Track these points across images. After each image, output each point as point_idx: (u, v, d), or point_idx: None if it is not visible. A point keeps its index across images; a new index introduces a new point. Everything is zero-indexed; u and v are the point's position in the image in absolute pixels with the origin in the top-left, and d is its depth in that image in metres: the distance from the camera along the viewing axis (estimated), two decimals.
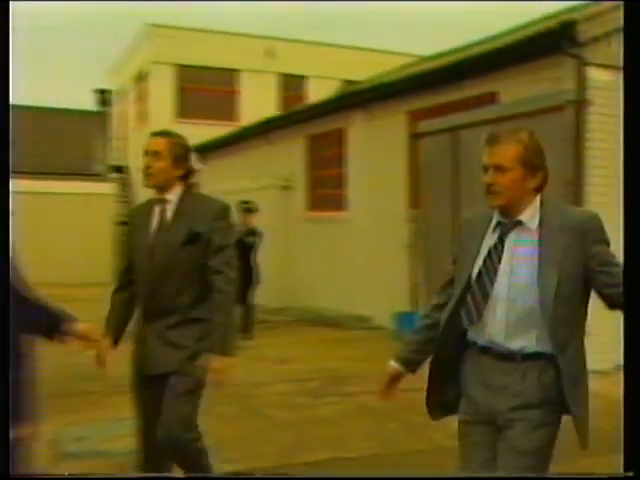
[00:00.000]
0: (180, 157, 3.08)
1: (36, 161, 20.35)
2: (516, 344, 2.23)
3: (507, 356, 2.25)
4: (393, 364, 2.51)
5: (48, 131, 22.77)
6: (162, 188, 3.08)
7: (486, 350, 2.29)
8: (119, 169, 21.88)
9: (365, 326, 10.07)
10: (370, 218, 10.46)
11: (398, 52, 19.49)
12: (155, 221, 3.08)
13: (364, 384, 6.28)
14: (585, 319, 2.30)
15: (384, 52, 19.92)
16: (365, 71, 16.60)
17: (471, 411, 2.32)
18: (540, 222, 2.26)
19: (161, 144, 3.05)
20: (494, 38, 10.62)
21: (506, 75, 7.93)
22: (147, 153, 3.07)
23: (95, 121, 23.04)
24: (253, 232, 9.47)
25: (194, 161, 3.19)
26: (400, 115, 9.88)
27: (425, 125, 8.96)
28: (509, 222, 2.29)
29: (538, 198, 2.30)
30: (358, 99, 10.90)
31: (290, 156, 12.80)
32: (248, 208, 9.52)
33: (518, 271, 2.23)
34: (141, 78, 20.98)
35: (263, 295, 10.13)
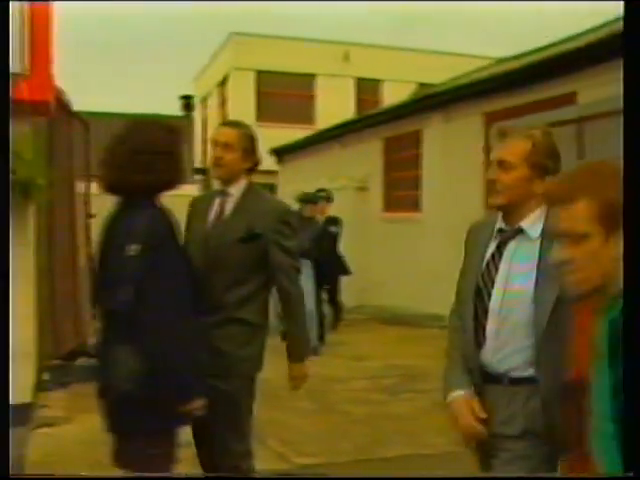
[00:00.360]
0: (249, 149, 2.91)
1: None
2: (504, 365, 2.00)
3: (495, 378, 2.03)
4: (459, 393, 2.10)
5: None
6: (228, 180, 2.89)
7: (481, 369, 2.06)
8: (201, 171, 22.46)
9: (439, 324, 9.94)
10: (444, 218, 10.35)
11: (471, 54, 19.21)
12: (214, 213, 2.89)
13: (438, 381, 6.23)
14: None
15: (458, 55, 19.67)
16: (440, 74, 16.43)
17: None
18: (543, 231, 2.00)
19: (232, 135, 2.89)
20: (569, 39, 10.34)
21: (585, 75, 7.71)
22: (217, 144, 2.89)
23: (180, 126, 23.73)
24: (335, 220, 8.90)
25: (260, 154, 3.01)
26: (477, 116, 9.74)
27: (502, 127, 8.79)
28: (510, 229, 2.06)
29: (545, 203, 2.02)
30: (435, 101, 10.83)
31: (366, 158, 12.82)
32: (327, 197, 8.85)
33: (513, 284, 2.00)
34: (222, 84, 21.47)
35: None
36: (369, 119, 13.24)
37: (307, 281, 7.10)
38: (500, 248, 2.06)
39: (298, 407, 5.30)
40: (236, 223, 2.83)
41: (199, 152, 24.31)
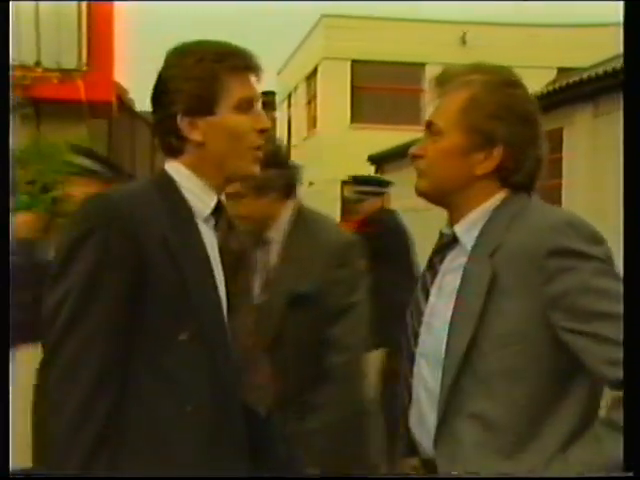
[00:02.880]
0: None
1: None
2: (420, 431, 1.68)
3: (411, 451, 1.73)
4: None
5: None
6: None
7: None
8: None
9: None
10: None
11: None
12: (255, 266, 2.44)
13: None
14: (574, 429, 1.53)
15: (612, 25, 18.98)
16: (588, 55, 15.92)
17: None
18: (479, 237, 1.62)
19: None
20: None
21: None
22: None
23: None
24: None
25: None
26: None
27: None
28: (448, 233, 1.71)
29: (500, 196, 1.65)
30: (582, 90, 10.49)
31: None
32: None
33: (432, 317, 1.67)
34: (311, 77, 21.68)
35: None
36: None
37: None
38: (433, 264, 1.72)
39: None
40: (282, 278, 2.40)
41: None
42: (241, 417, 1.69)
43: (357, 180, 6.36)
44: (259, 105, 1.76)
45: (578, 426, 1.53)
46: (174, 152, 1.71)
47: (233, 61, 1.69)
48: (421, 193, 1.71)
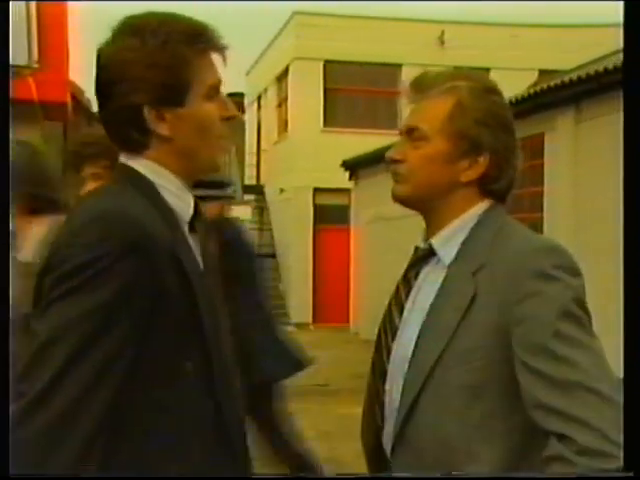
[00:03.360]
0: None
1: None
2: (388, 442, 1.70)
3: (385, 471, 1.74)
4: None
5: None
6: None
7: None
8: (255, 190, 22.60)
9: None
10: (576, 248, 9.93)
11: (616, 23, 18.73)
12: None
13: None
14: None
15: (596, 27, 19.11)
16: (571, 57, 16.02)
17: None
18: (459, 253, 1.65)
19: None
20: None
21: None
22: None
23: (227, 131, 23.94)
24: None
25: None
26: (619, 114, 9.37)
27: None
28: (425, 245, 1.73)
29: (480, 207, 1.69)
30: (565, 94, 10.51)
31: None
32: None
33: (403, 333, 1.69)
34: (281, 78, 21.63)
35: None
36: None
37: None
38: (408, 279, 1.74)
39: None
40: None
41: (252, 164, 24.57)
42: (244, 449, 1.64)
43: (196, 182, 6.11)
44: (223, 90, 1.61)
45: (529, 441, 1.55)
46: (135, 147, 1.53)
47: (202, 42, 1.53)
48: (399, 199, 1.72)
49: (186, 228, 1.56)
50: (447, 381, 1.57)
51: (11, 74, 6.92)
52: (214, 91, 1.57)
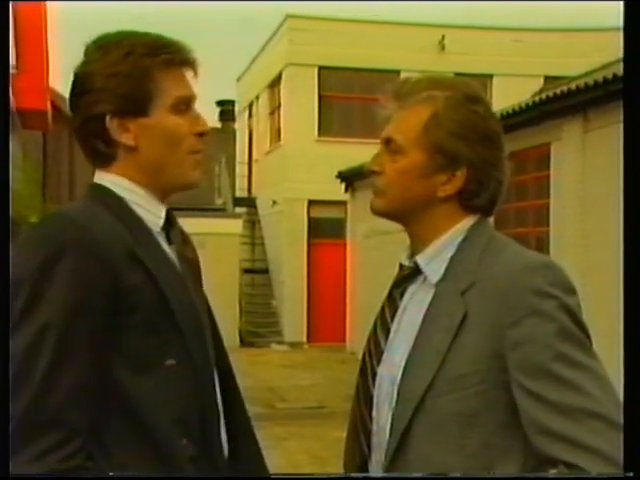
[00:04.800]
0: None
1: None
2: (376, 471, 1.68)
3: None
4: None
5: None
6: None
7: None
8: (246, 202, 22.59)
9: None
10: (582, 264, 9.94)
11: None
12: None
13: None
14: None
15: (605, 30, 19.21)
16: (578, 62, 16.08)
17: None
18: (447, 271, 1.64)
19: None
20: None
21: None
22: None
23: (217, 140, 23.13)
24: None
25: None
26: None
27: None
28: (409, 264, 1.72)
29: (465, 224, 1.68)
30: (572, 102, 10.54)
31: None
32: None
33: (389, 357, 1.67)
34: (274, 85, 21.67)
35: None
36: None
37: None
38: (393, 299, 1.73)
39: None
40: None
41: (243, 175, 24.55)
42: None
43: None
44: (195, 106, 1.71)
45: (529, 470, 1.55)
46: (103, 159, 1.65)
47: (166, 55, 1.62)
48: (376, 212, 1.76)
49: (161, 237, 1.68)
50: (440, 409, 1.55)
51: None
52: (183, 104, 1.66)
